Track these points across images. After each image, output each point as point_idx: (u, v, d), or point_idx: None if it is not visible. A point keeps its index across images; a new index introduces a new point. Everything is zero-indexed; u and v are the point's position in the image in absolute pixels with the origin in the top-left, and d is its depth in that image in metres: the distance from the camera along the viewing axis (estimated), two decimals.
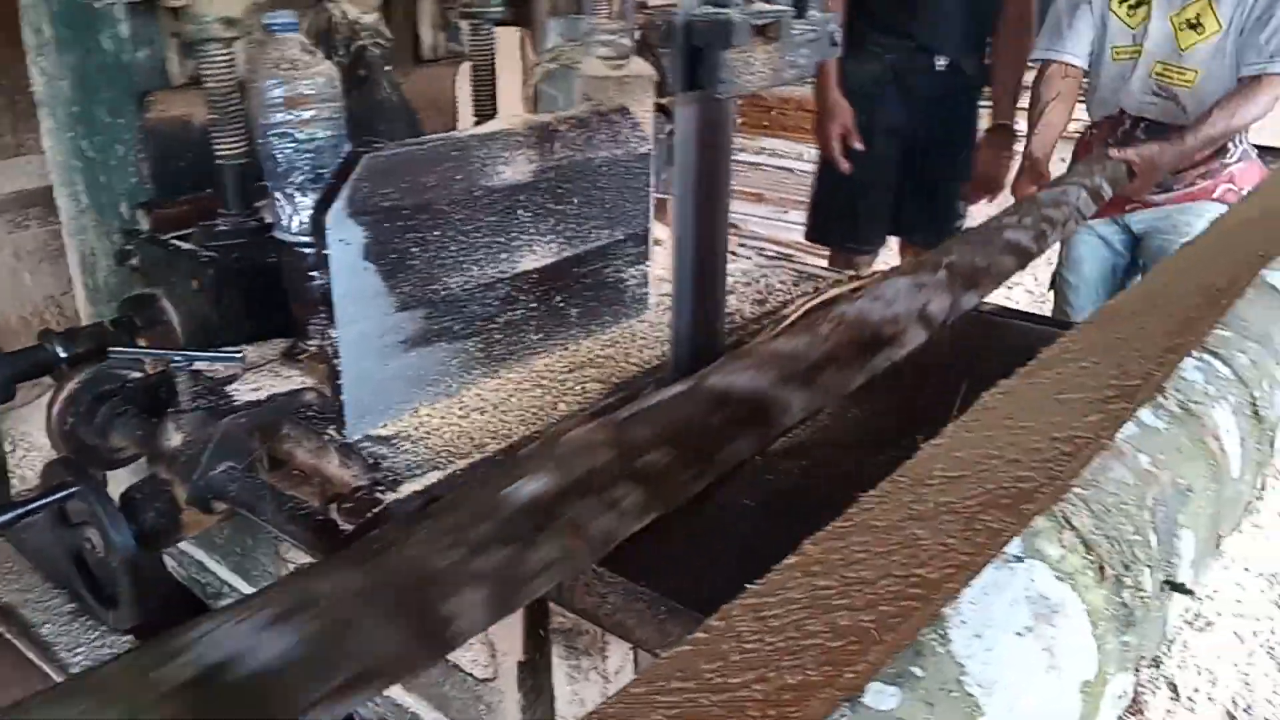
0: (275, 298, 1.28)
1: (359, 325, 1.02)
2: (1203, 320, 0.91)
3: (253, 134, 1.29)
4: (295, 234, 1.24)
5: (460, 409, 1.14)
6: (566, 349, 1.27)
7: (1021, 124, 2.41)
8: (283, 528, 1.01)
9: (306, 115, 1.22)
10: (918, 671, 0.47)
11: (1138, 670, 0.65)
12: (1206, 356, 0.78)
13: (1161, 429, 0.68)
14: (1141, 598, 0.60)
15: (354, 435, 1.06)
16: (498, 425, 1.11)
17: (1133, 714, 0.83)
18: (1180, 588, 0.65)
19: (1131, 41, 2.15)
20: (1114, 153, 2.00)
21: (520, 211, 1.14)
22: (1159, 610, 0.63)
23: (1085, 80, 2.28)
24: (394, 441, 1.07)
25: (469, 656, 1.27)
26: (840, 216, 2.52)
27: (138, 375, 1.26)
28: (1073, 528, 0.58)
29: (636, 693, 0.51)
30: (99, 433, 1.20)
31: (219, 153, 1.32)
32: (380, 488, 1.00)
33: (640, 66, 1.46)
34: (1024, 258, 1.46)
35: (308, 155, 1.24)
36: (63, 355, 1.28)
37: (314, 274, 1.11)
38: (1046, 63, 2.26)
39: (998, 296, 1.50)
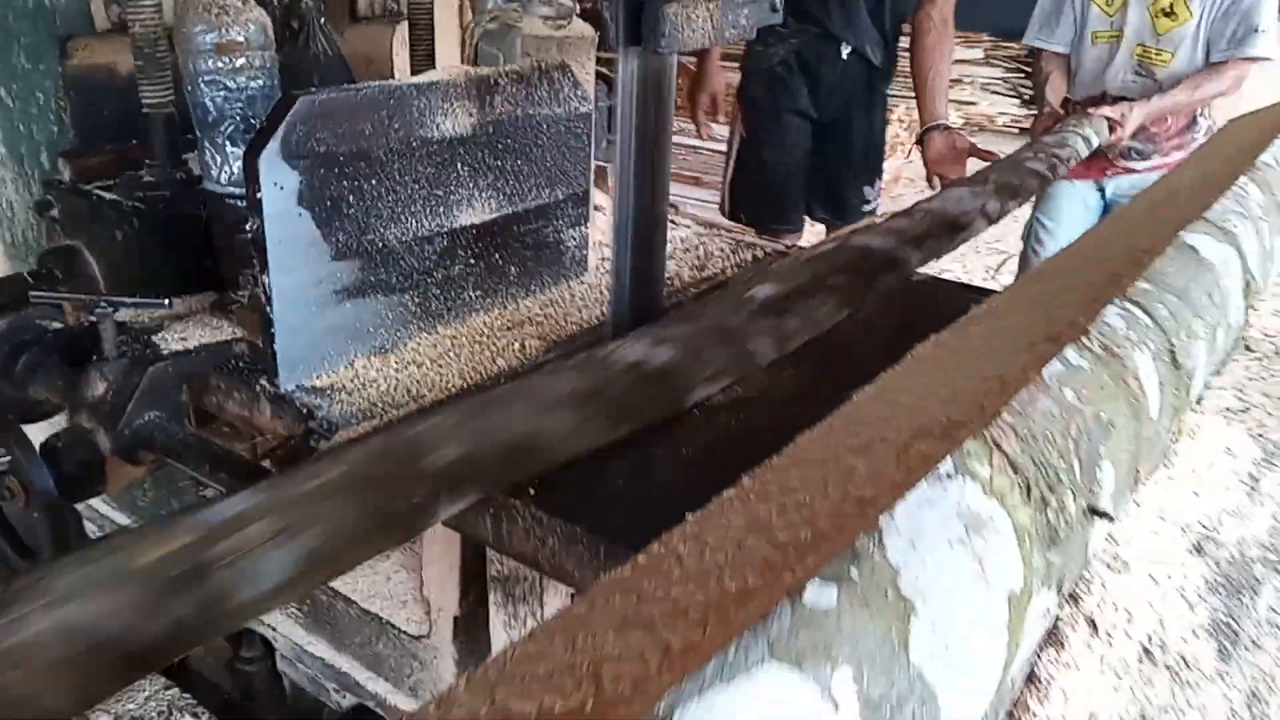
0: (202, 251, 1.26)
1: (292, 274, 1.00)
2: (1126, 276, 0.94)
3: (181, 83, 1.26)
4: (225, 185, 1.22)
5: (397, 363, 1.12)
6: (505, 308, 1.26)
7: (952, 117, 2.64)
8: (211, 477, 1.00)
9: (238, 63, 1.20)
10: (854, 574, 0.48)
11: (1060, 590, 0.67)
12: (1128, 305, 0.81)
13: (1086, 368, 0.71)
14: (1064, 520, 0.62)
15: (287, 386, 1.04)
16: (435, 379, 1.10)
17: (1054, 646, 0.86)
18: (1102, 513, 0.67)
19: (1109, 27, 2.41)
20: (1094, 110, 2.26)
21: (459, 165, 1.13)
22: (1080, 534, 0.65)
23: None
24: (329, 393, 1.05)
25: (402, 615, 1.27)
26: (754, 196, 2.57)
27: (58, 325, 1.22)
28: (1001, 451, 0.60)
29: (578, 614, 0.51)
30: (18, 383, 1.16)
31: (146, 101, 1.29)
32: (314, 437, 0.99)
33: (581, 28, 1.46)
34: (1043, 182, 1.90)
35: (239, 105, 1.21)
36: None
37: (244, 225, 1.10)
38: (1037, 50, 2.60)
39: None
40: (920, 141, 2.40)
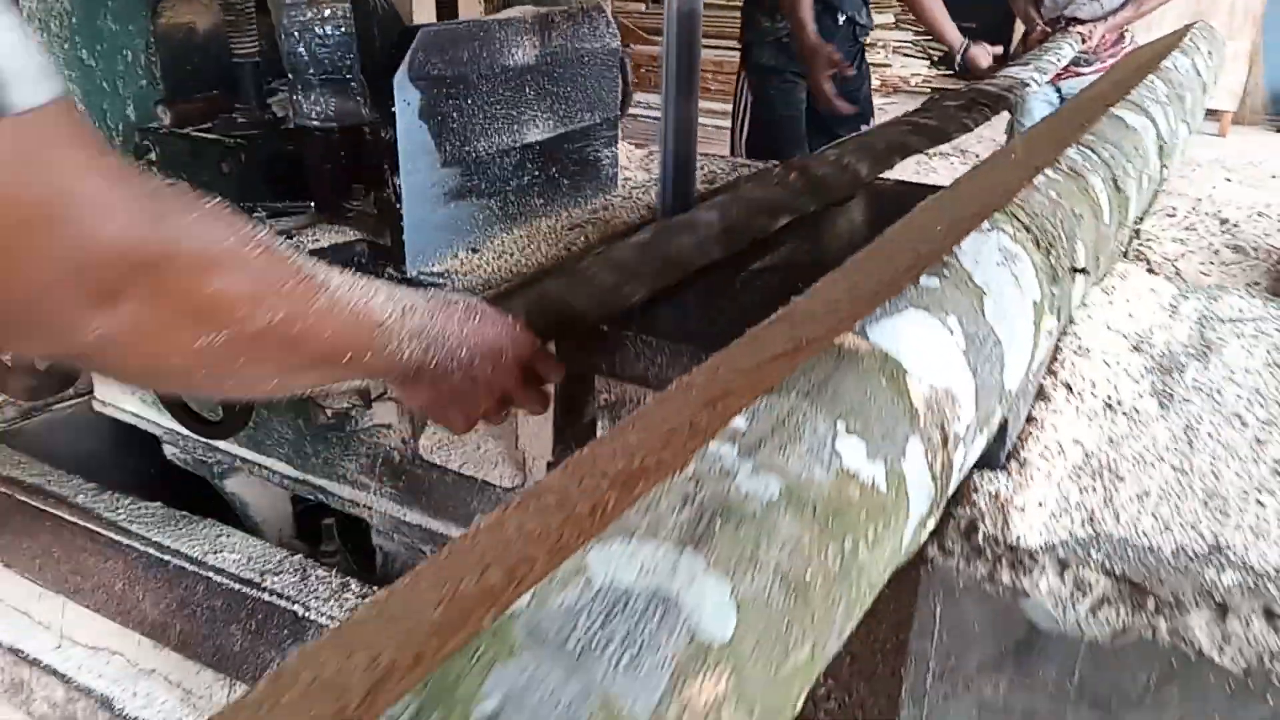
0: (293, 177, 1.47)
1: (417, 176, 1.23)
2: (1076, 136, 1.23)
3: (268, 34, 1.47)
4: (314, 120, 1.44)
5: (490, 255, 1.36)
6: (561, 214, 1.51)
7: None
8: None
9: (325, 14, 1.42)
10: (947, 273, 0.74)
11: (1059, 318, 0.94)
12: (1082, 147, 1.09)
13: (1060, 180, 0.98)
14: (1060, 267, 0.89)
15: (412, 271, 1.27)
16: (523, 267, 1.35)
17: (1042, 400, 1.14)
18: (1080, 269, 0.94)
19: None
20: (1072, 29, 2.93)
21: (526, 89, 1.37)
22: (1068, 283, 0.92)
23: None
24: (444, 276, 1.29)
25: (495, 473, 1.50)
26: (765, 147, 2.95)
27: None
28: (1018, 219, 0.86)
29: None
30: None
31: (236, 52, 1.50)
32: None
33: None
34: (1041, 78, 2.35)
35: (325, 50, 1.43)
36: None
37: (334, 152, 1.33)
38: None
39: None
40: (964, 63, 3.01)
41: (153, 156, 1.55)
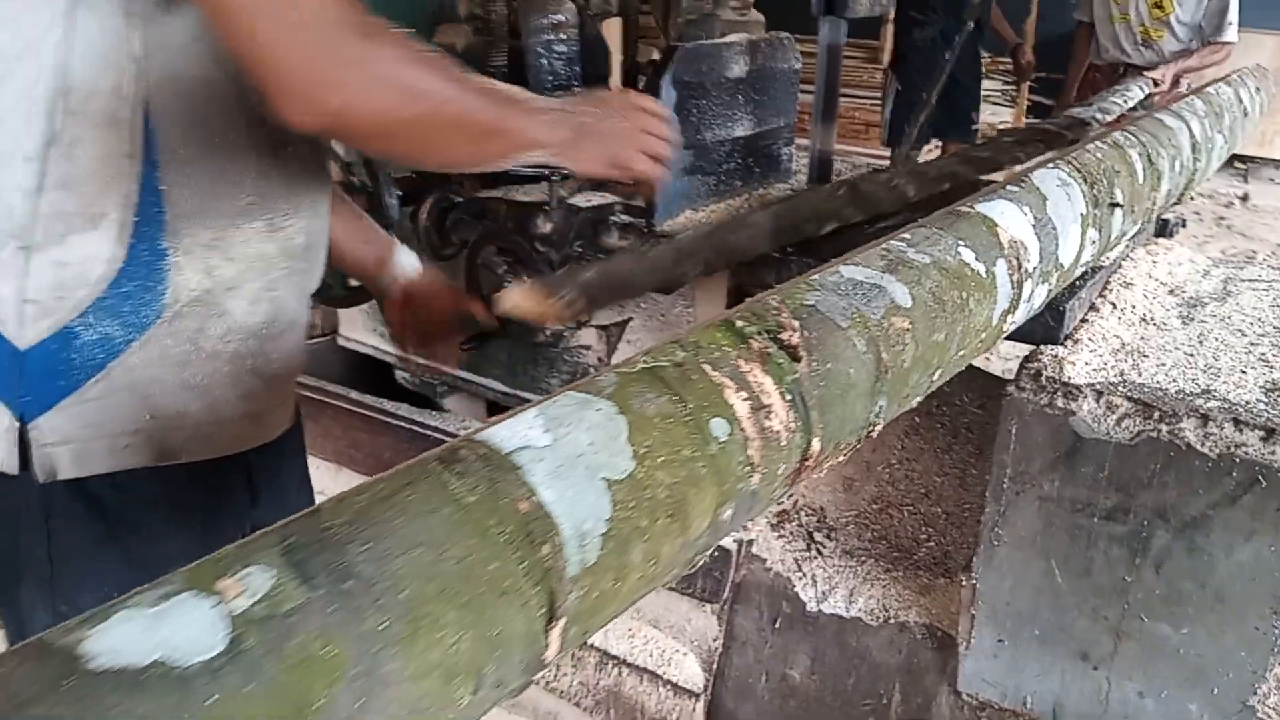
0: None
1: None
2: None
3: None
4: None
5: (701, 218, 1.87)
6: (751, 194, 2.01)
7: None
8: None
9: (562, 36, 1.95)
10: (1021, 185, 1.20)
11: (1100, 233, 1.38)
12: (1126, 131, 1.55)
13: (1107, 147, 1.43)
14: (1101, 198, 1.34)
15: (660, 225, 1.78)
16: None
17: (1093, 312, 1.58)
18: (1116, 204, 1.38)
19: (1120, 13, 3.65)
20: (1144, 74, 3.29)
21: (738, 96, 1.88)
22: (1107, 213, 1.37)
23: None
24: (676, 229, 1.80)
25: None
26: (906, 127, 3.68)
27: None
28: (1071, 164, 1.31)
29: None
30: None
31: (490, 65, 2.04)
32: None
33: (756, 15, 2.21)
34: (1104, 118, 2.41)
35: (560, 64, 1.95)
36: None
37: None
38: (1079, 23, 3.92)
39: None
40: (1013, 56, 4.39)
41: None
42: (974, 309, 1.03)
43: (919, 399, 1.00)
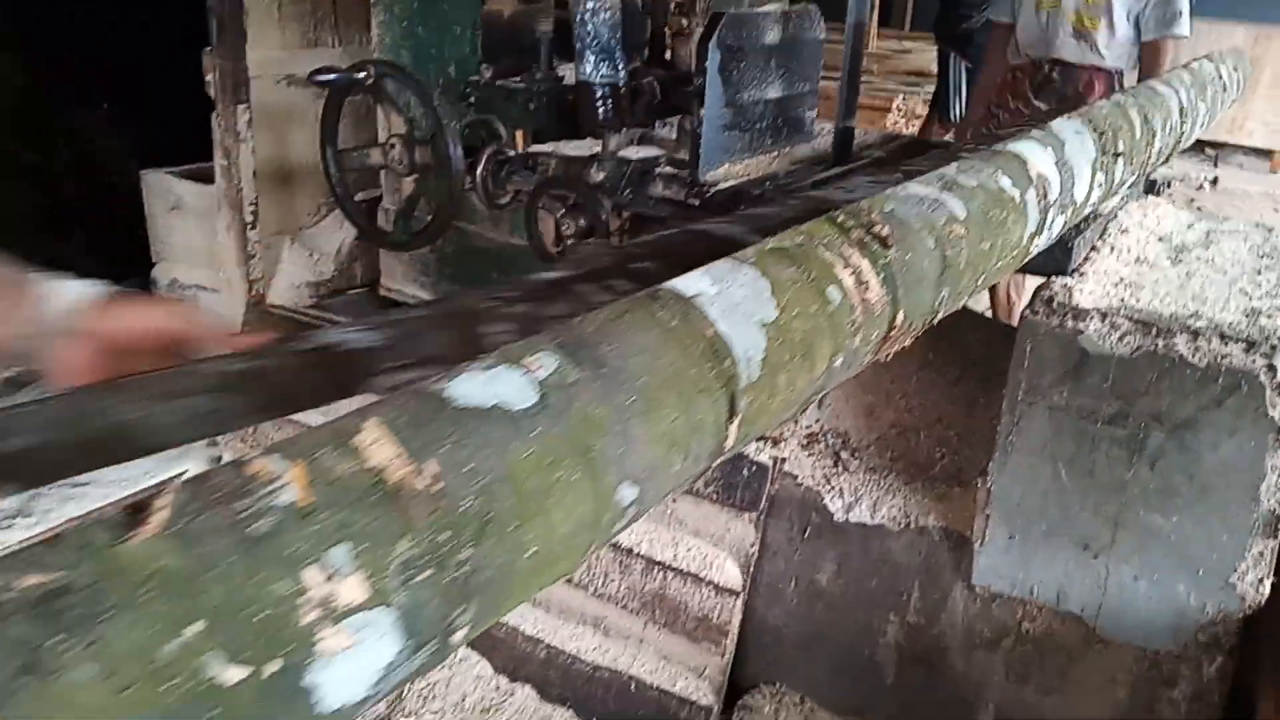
0: (571, 113, 2.16)
1: (713, 111, 1.92)
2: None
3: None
4: (593, 77, 2.12)
5: (740, 169, 2.05)
6: (780, 152, 2.19)
7: None
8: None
9: (605, 5, 2.11)
10: (1042, 131, 1.39)
11: (1107, 178, 1.57)
12: (1126, 95, 1.74)
13: (1110, 107, 1.62)
14: (1108, 148, 1.53)
15: (702, 176, 1.95)
16: (761, 174, 2.03)
17: (1094, 252, 1.78)
18: (1119, 153, 1.57)
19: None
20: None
21: (772, 62, 2.05)
22: (1112, 161, 1.55)
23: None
24: (716, 181, 1.98)
25: None
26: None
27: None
28: (1085, 118, 1.50)
29: None
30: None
31: (539, 30, 2.20)
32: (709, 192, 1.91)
33: None
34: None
35: (605, 29, 2.12)
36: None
37: (601, 99, 2.02)
38: (993, 23, 3.29)
39: None
40: None
41: (472, 100, 2.24)
42: (1010, 227, 1.21)
43: (966, 300, 1.18)
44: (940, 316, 1.09)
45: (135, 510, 0.48)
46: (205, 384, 0.89)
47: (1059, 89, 2.97)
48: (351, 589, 0.51)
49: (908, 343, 1.08)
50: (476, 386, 0.63)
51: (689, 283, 0.80)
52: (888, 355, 1.07)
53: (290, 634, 0.48)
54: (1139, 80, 2.93)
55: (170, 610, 0.44)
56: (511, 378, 0.64)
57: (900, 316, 0.97)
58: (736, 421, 0.77)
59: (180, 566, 0.46)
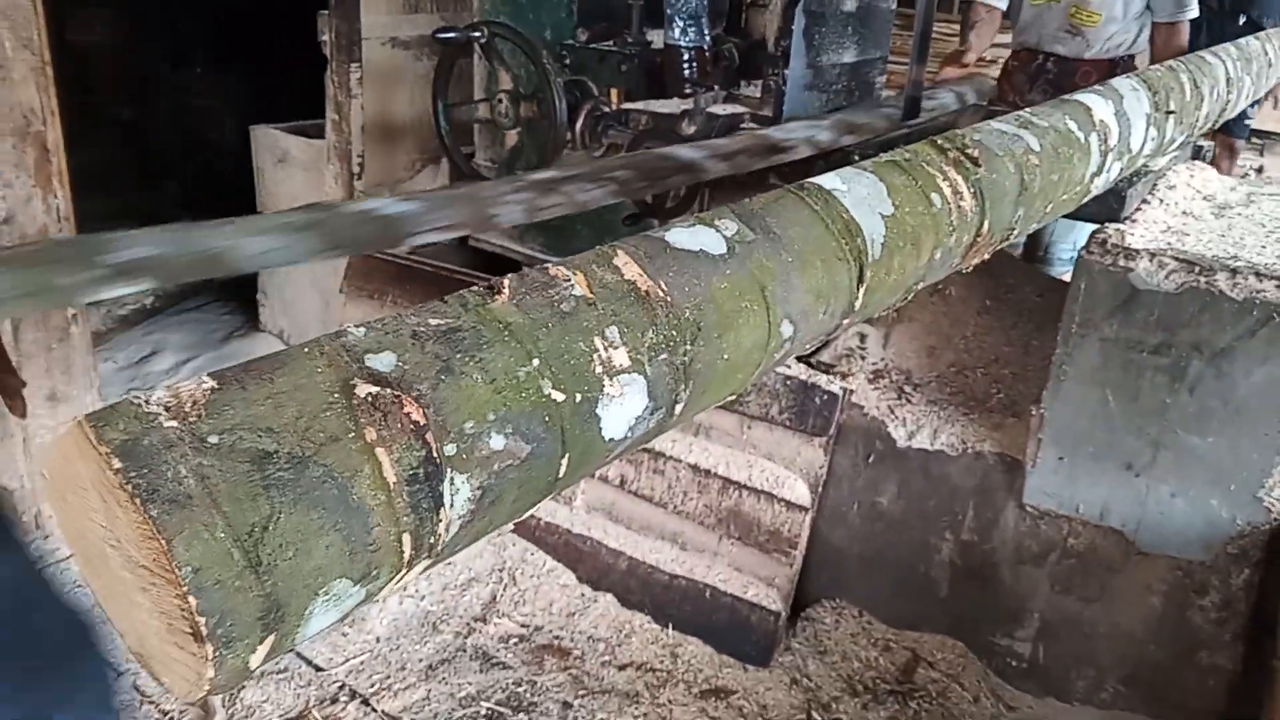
0: (660, 76, 2.35)
1: (795, 70, 2.11)
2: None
3: None
4: (680, 41, 2.32)
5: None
6: (853, 112, 2.38)
7: None
8: None
9: None
10: (1105, 87, 1.57)
11: (1159, 132, 1.75)
12: (1182, 61, 1.91)
13: (1163, 70, 1.80)
14: (1161, 105, 1.70)
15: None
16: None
17: (1145, 204, 1.96)
18: (1170, 111, 1.75)
19: None
20: None
21: (848, 28, 2.24)
22: (1164, 119, 1.73)
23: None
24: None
25: None
26: None
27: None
28: (1140, 79, 1.67)
29: None
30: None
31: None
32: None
33: None
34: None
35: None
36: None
37: (686, 61, 2.21)
38: (974, 3, 3.01)
39: None
40: None
41: (567, 61, 2.44)
42: (1076, 164, 1.40)
43: (1035, 226, 1.37)
44: (1015, 234, 1.28)
45: (490, 287, 0.69)
46: (277, 227, 1.25)
47: (1055, 82, 2.83)
48: (621, 356, 0.72)
49: (987, 255, 1.27)
50: (686, 236, 0.83)
51: (823, 181, 1.01)
52: (969, 266, 1.27)
53: (589, 377, 0.69)
54: (1151, 62, 2.66)
55: (520, 348, 0.66)
56: (707, 232, 0.85)
57: (986, 226, 1.17)
58: (864, 288, 0.97)
59: (523, 323, 0.67)
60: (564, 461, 0.68)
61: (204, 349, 3.24)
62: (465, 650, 2.12)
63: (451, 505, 0.60)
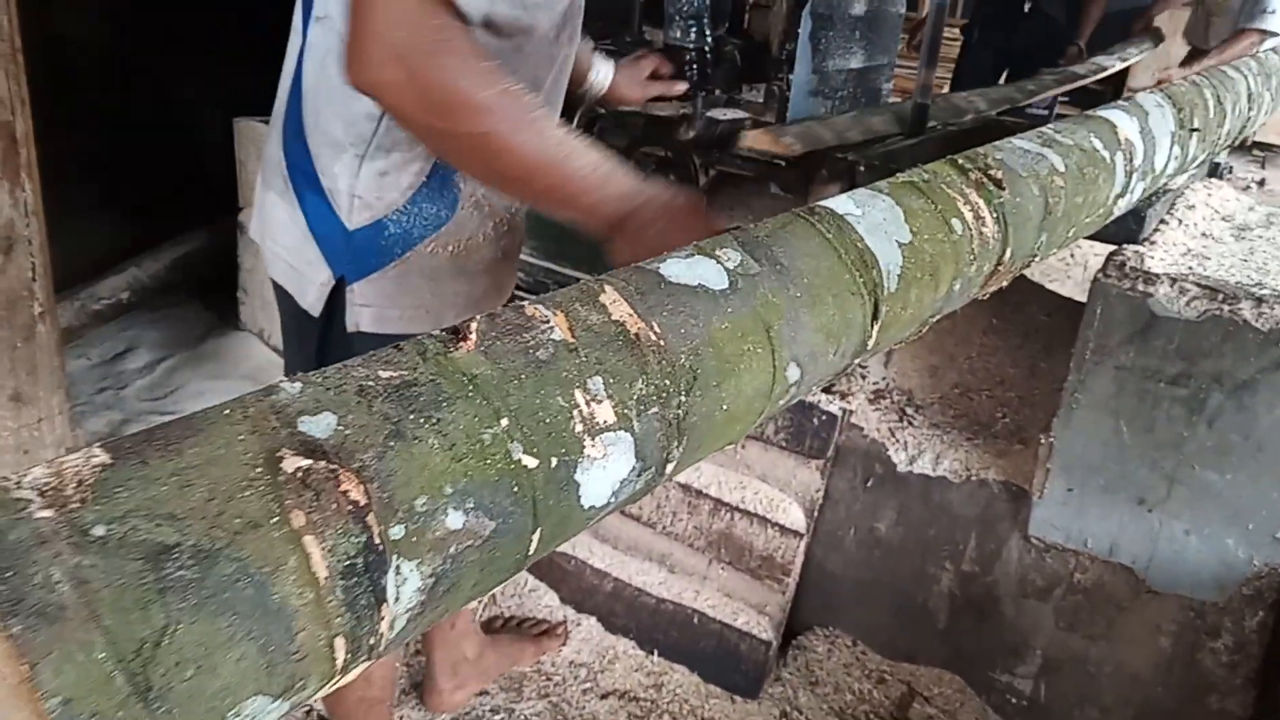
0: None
1: (800, 75, 2.02)
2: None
3: None
4: (682, 41, 2.23)
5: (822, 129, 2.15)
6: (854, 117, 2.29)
7: None
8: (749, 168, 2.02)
9: None
10: (1130, 103, 1.48)
11: (1182, 150, 1.66)
12: (1201, 75, 1.82)
13: (1187, 86, 1.71)
14: (1185, 122, 1.61)
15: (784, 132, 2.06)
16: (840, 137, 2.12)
17: (1165, 226, 1.87)
18: (1194, 129, 1.66)
19: None
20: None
21: (855, 33, 2.15)
22: (1188, 136, 1.64)
23: None
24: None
25: None
26: None
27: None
28: (1165, 94, 1.59)
29: None
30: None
31: None
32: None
33: None
34: None
35: (689, 3, 2.22)
36: None
37: (691, 64, 2.12)
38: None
39: None
40: None
41: None
42: (1100, 185, 1.31)
43: (1058, 249, 1.28)
44: (1037, 260, 1.19)
45: (454, 332, 0.60)
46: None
47: None
48: (605, 411, 0.62)
49: (1005, 283, 1.18)
50: (683, 268, 0.74)
51: (834, 204, 0.91)
52: (986, 294, 1.17)
53: (567, 438, 0.59)
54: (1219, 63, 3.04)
55: (487, 405, 0.56)
56: (706, 265, 0.75)
57: (1008, 253, 1.07)
58: (878, 325, 0.87)
59: (490, 374, 0.58)
60: (535, 537, 0.58)
61: (181, 347, 3.13)
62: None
63: (397, 599, 0.51)
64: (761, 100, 2.17)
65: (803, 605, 2.14)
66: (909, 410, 2.06)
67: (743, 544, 2.07)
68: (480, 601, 2.18)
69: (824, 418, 2.00)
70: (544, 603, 2.27)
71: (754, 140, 1.66)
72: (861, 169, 1.84)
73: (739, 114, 2.15)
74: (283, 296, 1.34)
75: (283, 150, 1.26)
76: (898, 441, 2.00)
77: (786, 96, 2.01)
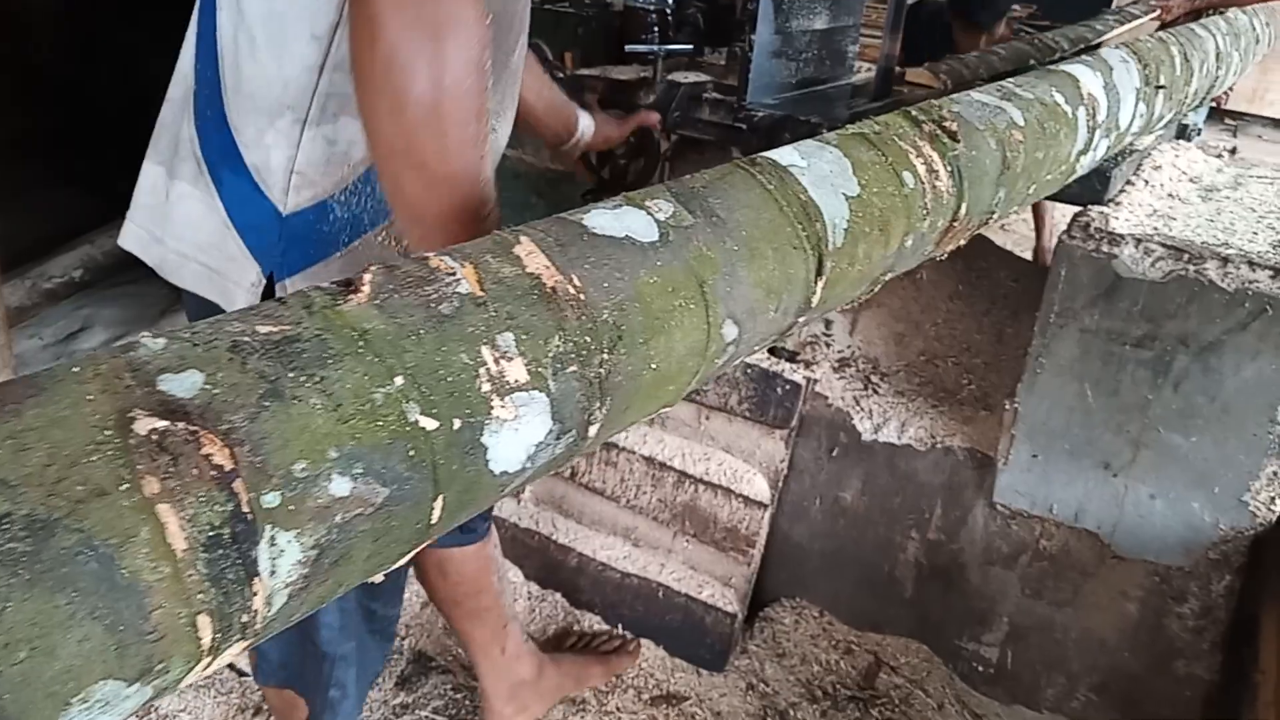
0: (617, 41, 2.20)
1: (764, 38, 1.96)
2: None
3: None
4: (643, 3, 2.17)
5: (790, 96, 2.10)
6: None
7: None
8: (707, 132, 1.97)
9: None
10: (1093, 57, 1.44)
11: (1148, 107, 1.63)
12: (1168, 33, 1.79)
13: (1154, 43, 1.67)
14: (1150, 79, 1.58)
15: (750, 101, 2.00)
16: (813, 109, 2.08)
17: (1132, 187, 1.83)
18: (1160, 86, 1.62)
19: None
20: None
21: None
22: (1153, 94, 1.61)
23: None
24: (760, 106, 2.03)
25: None
26: None
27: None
28: (1130, 49, 1.55)
29: None
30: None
31: None
32: (756, 116, 1.96)
33: None
34: None
35: None
36: None
37: (651, 27, 2.07)
38: None
39: None
40: None
41: None
42: (1062, 140, 1.27)
43: (1018, 206, 1.24)
44: (994, 218, 1.15)
45: (345, 284, 0.55)
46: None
47: None
48: (516, 369, 0.58)
49: (963, 241, 1.14)
50: (609, 219, 0.69)
51: (779, 155, 0.87)
52: (944, 253, 1.13)
53: (472, 398, 0.55)
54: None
55: (380, 362, 0.52)
56: (636, 216, 0.71)
57: (964, 209, 1.03)
58: (822, 281, 0.83)
59: (385, 330, 0.53)
60: (437, 504, 0.54)
61: (138, 324, 3.05)
62: (402, 653, 1.99)
63: (273, 573, 0.46)
64: (724, 63, 2.11)
65: (768, 577, 2.11)
66: (874, 378, 2.03)
67: (707, 516, 2.04)
68: (531, 620, 2.13)
69: (788, 387, 1.96)
70: (508, 578, 2.22)
71: (915, 75, 1.84)
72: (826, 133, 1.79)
73: (701, 77, 2.09)
74: (198, 306, 1.12)
75: (195, 127, 1.08)
76: (863, 410, 1.97)
77: (749, 58, 1.95)
